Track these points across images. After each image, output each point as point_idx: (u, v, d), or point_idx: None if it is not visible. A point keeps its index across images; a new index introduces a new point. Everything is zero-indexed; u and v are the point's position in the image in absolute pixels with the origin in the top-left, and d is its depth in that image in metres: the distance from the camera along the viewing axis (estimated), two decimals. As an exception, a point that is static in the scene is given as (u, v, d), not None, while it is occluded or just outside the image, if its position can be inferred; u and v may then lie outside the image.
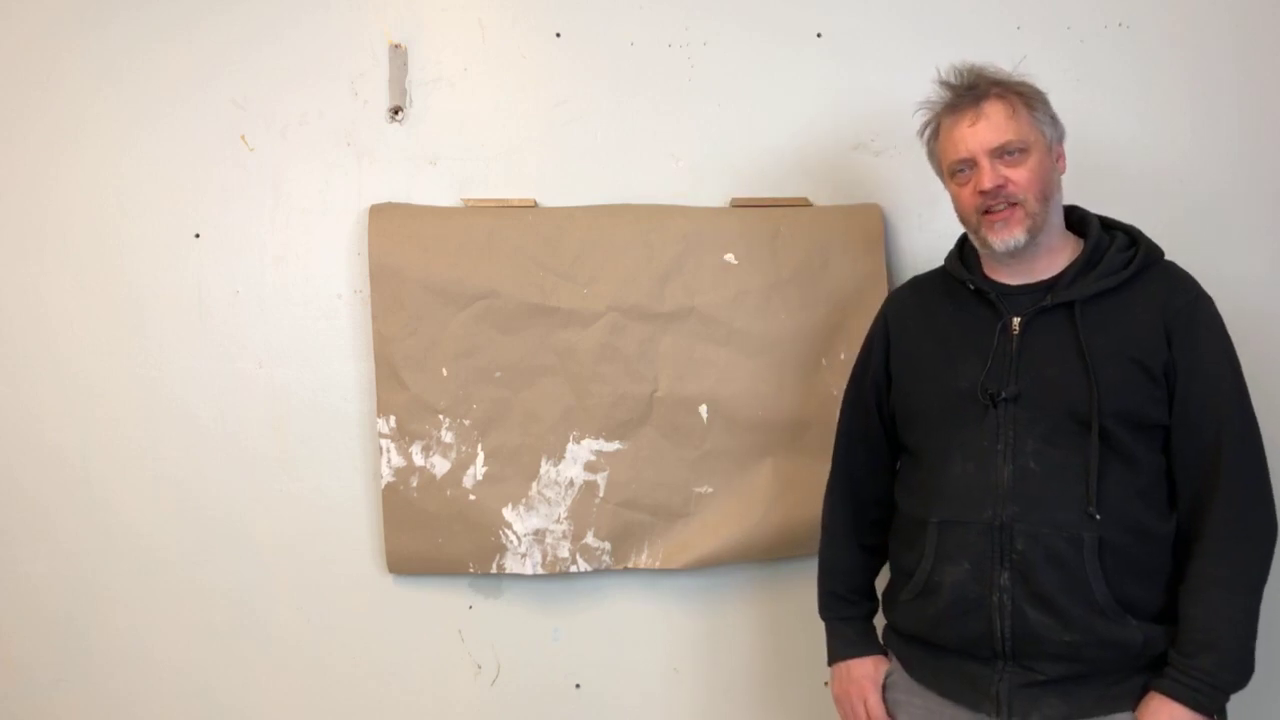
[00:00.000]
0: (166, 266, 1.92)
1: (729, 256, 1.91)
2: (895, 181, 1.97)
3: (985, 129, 1.46)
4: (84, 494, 1.93)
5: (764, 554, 1.94)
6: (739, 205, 1.94)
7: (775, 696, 2.00)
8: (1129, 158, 1.95)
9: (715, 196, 1.95)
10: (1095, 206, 1.95)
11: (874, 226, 1.94)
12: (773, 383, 1.91)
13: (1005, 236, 1.46)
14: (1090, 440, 1.42)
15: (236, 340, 1.93)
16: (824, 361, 1.93)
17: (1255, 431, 1.45)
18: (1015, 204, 1.45)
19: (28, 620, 1.93)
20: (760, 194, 1.95)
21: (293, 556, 1.95)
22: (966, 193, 1.50)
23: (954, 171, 1.52)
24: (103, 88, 1.90)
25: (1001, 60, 1.92)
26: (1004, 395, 1.46)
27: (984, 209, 1.47)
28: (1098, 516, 1.41)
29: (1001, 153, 1.46)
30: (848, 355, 1.92)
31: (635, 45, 1.95)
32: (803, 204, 1.95)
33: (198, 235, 1.92)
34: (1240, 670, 1.39)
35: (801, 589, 1.98)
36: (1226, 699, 1.40)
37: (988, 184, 1.45)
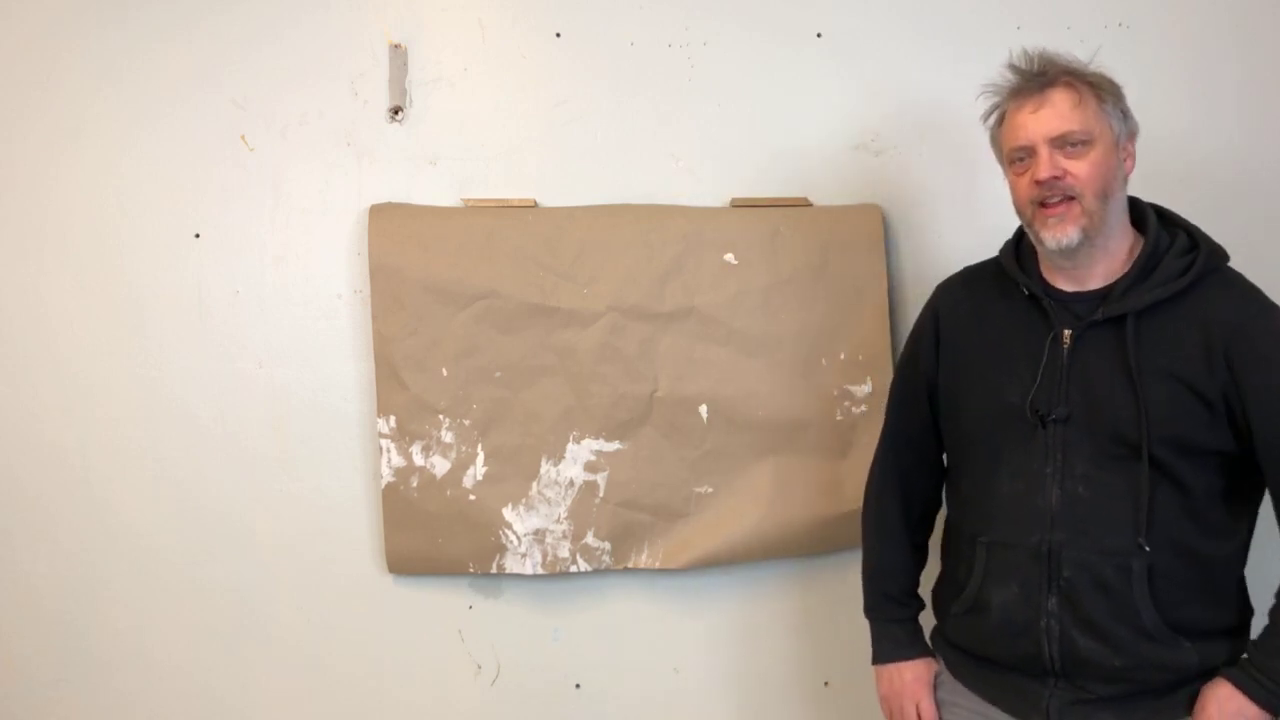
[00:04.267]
0: (166, 266, 1.92)
1: (729, 256, 1.91)
2: (895, 181, 1.97)
3: (1048, 116, 1.39)
4: (84, 494, 1.92)
5: (764, 554, 1.94)
6: (739, 205, 1.94)
7: (775, 696, 2.00)
8: (1129, 158, 1.95)
9: (715, 196, 1.95)
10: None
11: (874, 226, 1.94)
12: (773, 383, 1.91)
13: (1058, 234, 1.39)
14: (1140, 468, 1.38)
15: (236, 340, 1.93)
16: (824, 361, 1.93)
17: None
18: (1072, 198, 1.38)
19: (28, 620, 1.93)
20: (760, 194, 1.95)
21: (293, 556, 1.94)
22: (1023, 182, 1.42)
23: (1013, 159, 1.44)
24: (103, 88, 1.90)
25: (995, 62, 1.93)
26: (1054, 416, 1.41)
27: (1039, 201, 1.40)
28: (1147, 548, 1.37)
29: (1063, 143, 1.38)
30: (848, 355, 1.92)
31: (635, 45, 1.95)
32: (803, 204, 1.95)
33: (198, 235, 1.92)
34: None
35: (801, 589, 1.99)
36: None
37: (1044, 174, 1.38)
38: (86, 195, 1.91)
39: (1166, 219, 1.49)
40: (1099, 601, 1.39)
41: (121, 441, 1.92)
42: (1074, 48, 1.93)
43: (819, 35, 1.96)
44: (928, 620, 1.66)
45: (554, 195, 1.94)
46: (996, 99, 1.49)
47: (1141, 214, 1.47)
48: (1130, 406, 1.38)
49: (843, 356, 1.92)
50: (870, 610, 1.67)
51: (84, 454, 1.92)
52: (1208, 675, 1.40)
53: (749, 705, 2.01)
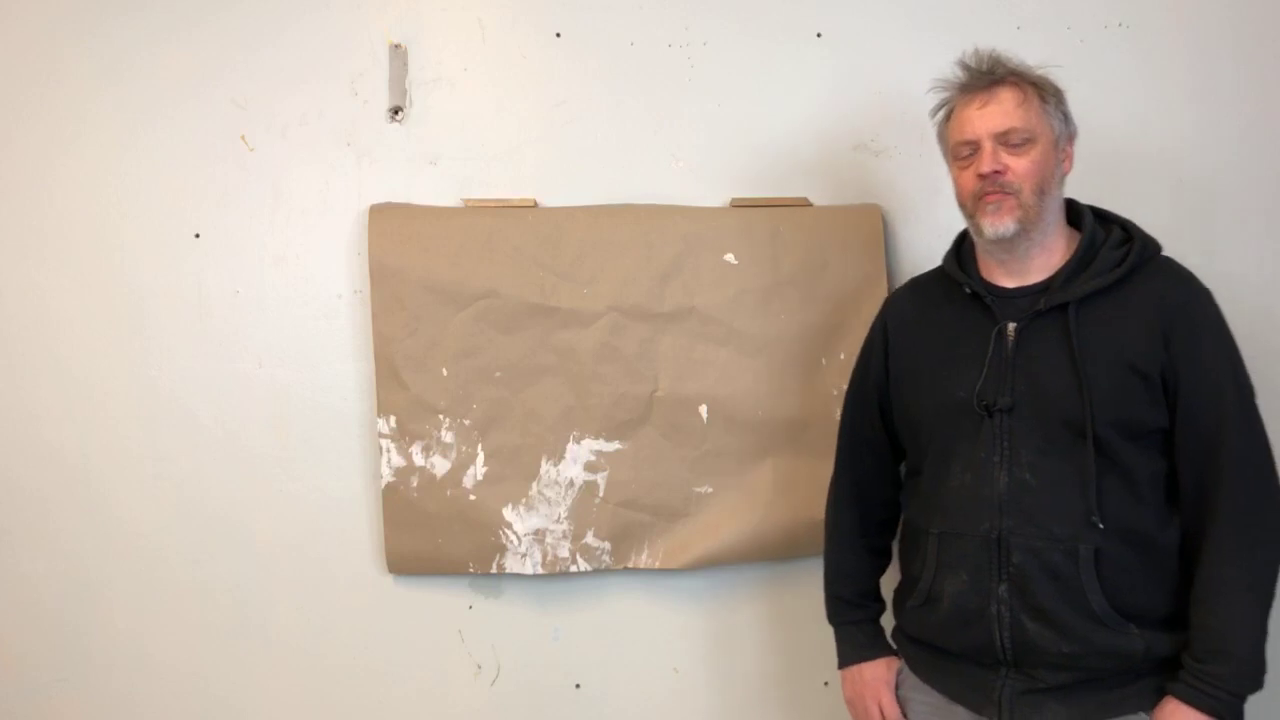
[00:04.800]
0: (166, 266, 1.92)
1: (729, 256, 1.91)
2: (895, 181, 1.97)
3: (993, 113, 1.45)
4: (84, 494, 1.93)
5: (764, 554, 1.94)
6: (739, 205, 1.94)
7: (775, 696, 2.00)
8: (1129, 157, 1.95)
9: (715, 196, 1.95)
10: (1095, 204, 1.95)
11: (874, 226, 1.94)
12: (773, 383, 1.91)
13: (996, 223, 1.45)
14: (1086, 451, 1.41)
15: (236, 340, 1.93)
16: (824, 361, 1.93)
17: (1259, 430, 1.42)
18: (1010, 193, 1.44)
19: (28, 620, 1.93)
20: (760, 194, 1.95)
21: (293, 556, 1.95)
22: (966, 175, 1.49)
23: (958, 154, 1.50)
24: (103, 88, 1.90)
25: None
26: (999, 406, 1.45)
27: (980, 193, 1.46)
28: (1101, 525, 1.39)
29: (1006, 139, 1.45)
30: (848, 355, 1.92)
31: (635, 45, 1.95)
32: (803, 204, 1.95)
33: (198, 235, 1.92)
34: (1255, 675, 1.39)
35: (802, 589, 1.98)
36: (1243, 702, 1.39)
37: (986, 168, 1.44)
38: (86, 195, 1.91)
39: (1101, 216, 1.54)
40: (1048, 587, 1.41)
41: (121, 441, 1.92)
42: (1074, 47, 1.95)
43: (819, 35, 1.96)
44: (889, 622, 1.68)
45: (554, 195, 1.94)
46: (946, 94, 1.53)
47: (1078, 214, 1.53)
48: (1074, 390, 1.41)
49: (843, 356, 1.92)
50: (830, 617, 1.70)
51: (84, 454, 1.92)
52: (1152, 664, 1.42)
53: (749, 705, 2.00)
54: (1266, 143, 1.96)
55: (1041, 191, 1.45)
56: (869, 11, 1.96)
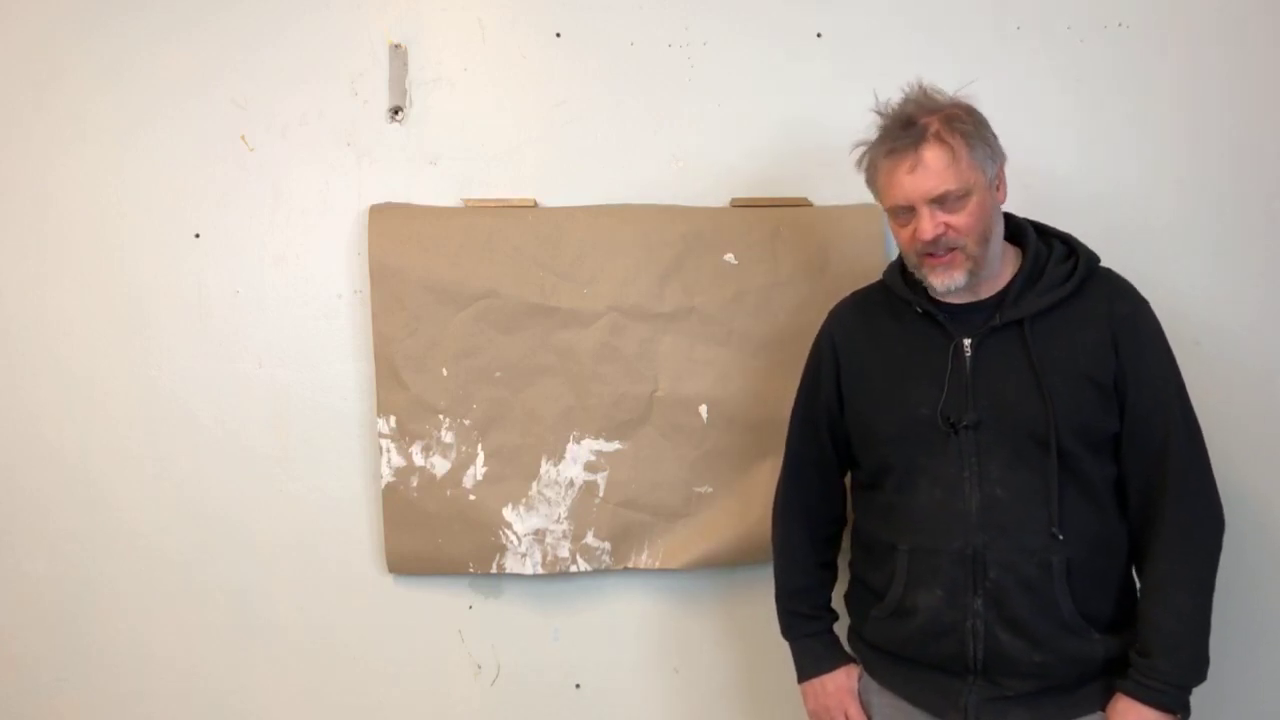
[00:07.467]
0: (166, 266, 1.92)
1: (729, 256, 1.91)
2: (895, 181, 1.97)
3: (925, 178, 1.41)
4: (84, 494, 1.93)
5: (763, 554, 1.93)
6: (739, 205, 1.94)
7: (775, 696, 2.00)
8: (1128, 156, 1.94)
9: (715, 196, 1.95)
10: (1093, 204, 1.95)
11: (874, 226, 1.94)
12: (773, 383, 1.91)
13: (946, 279, 1.45)
14: (1049, 461, 1.43)
15: (236, 340, 1.93)
16: (824, 361, 1.92)
17: (1198, 432, 1.47)
18: (956, 247, 1.43)
19: (28, 619, 1.94)
20: (760, 194, 1.95)
21: (293, 556, 1.95)
22: (906, 234, 1.47)
23: (894, 214, 1.48)
24: (103, 88, 1.91)
25: (995, 61, 1.93)
26: (965, 423, 1.45)
27: (923, 253, 1.45)
28: (1061, 537, 1.42)
29: (942, 200, 1.42)
30: (848, 355, 1.92)
31: (635, 45, 1.95)
32: (803, 204, 1.95)
33: (198, 235, 1.92)
34: (1198, 668, 1.43)
35: (801, 589, 1.98)
36: (1188, 694, 1.43)
37: (929, 235, 1.42)
38: (87, 196, 1.91)
39: (1041, 230, 1.55)
40: (1023, 599, 1.43)
41: (121, 441, 1.92)
42: (1074, 47, 1.95)
43: (819, 35, 1.96)
44: (842, 629, 1.69)
45: (554, 195, 1.94)
46: (864, 147, 1.50)
47: (1018, 228, 1.53)
48: (1038, 403, 1.43)
49: (843, 356, 1.92)
50: (785, 631, 1.70)
51: (84, 454, 1.92)
52: (1109, 667, 1.46)
53: (749, 705, 2.00)
54: (1264, 139, 1.95)
55: (985, 239, 1.44)
56: (869, 11, 1.96)
